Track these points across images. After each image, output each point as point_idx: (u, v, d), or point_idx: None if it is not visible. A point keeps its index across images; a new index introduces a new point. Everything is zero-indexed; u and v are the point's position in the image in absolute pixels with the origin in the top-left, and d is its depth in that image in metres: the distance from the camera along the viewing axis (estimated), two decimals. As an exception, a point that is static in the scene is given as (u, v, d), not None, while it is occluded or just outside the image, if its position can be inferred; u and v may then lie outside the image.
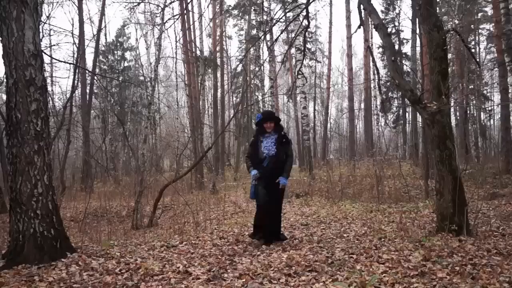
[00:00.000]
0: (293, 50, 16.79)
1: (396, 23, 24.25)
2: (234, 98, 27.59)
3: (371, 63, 20.80)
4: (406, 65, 22.17)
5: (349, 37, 23.13)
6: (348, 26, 22.77)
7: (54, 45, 15.06)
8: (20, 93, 4.12)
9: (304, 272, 3.77)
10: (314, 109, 29.38)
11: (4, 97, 4.54)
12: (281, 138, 5.19)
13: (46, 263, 4.00)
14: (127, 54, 28.08)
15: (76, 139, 21.20)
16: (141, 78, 26.50)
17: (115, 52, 27.08)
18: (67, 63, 13.57)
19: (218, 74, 22.74)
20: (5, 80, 4.26)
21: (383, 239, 4.97)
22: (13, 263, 3.95)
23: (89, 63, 20.93)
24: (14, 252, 4.10)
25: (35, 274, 3.69)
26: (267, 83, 26.94)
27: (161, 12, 13.91)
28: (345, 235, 5.58)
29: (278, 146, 5.13)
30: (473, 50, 21.44)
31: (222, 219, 8.19)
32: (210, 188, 14.04)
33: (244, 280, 3.54)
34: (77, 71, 13.01)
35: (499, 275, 3.33)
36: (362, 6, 6.23)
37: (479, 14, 20.91)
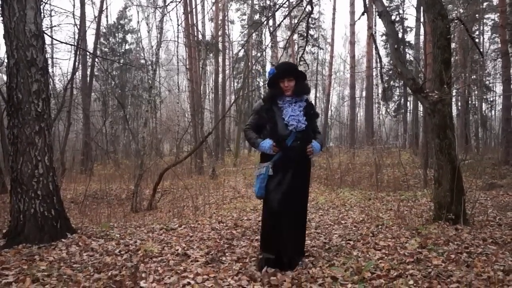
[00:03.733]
0: (295, 36, 16.64)
1: (400, 11, 24.04)
2: (235, 84, 27.49)
3: (374, 51, 20.66)
4: (409, 54, 22.05)
5: (352, 24, 22.94)
6: (352, 13, 22.56)
7: (55, 26, 14.90)
8: (21, 74, 4.12)
9: (301, 257, 3.82)
10: (316, 96, 29.27)
11: (5, 77, 4.52)
12: (309, 107, 3.50)
13: (47, 243, 4.06)
14: (128, 37, 27.89)
15: (76, 121, 21.19)
16: (142, 61, 26.35)
17: (116, 34, 26.86)
18: (68, 44, 13.52)
19: (220, 59, 22.63)
20: (6, 60, 4.25)
21: (380, 227, 5.02)
22: (14, 243, 4.01)
23: (90, 45, 20.78)
24: (15, 231, 4.14)
25: (35, 253, 3.74)
26: (268, 69, 26.80)
27: (163, -5, 13.76)
28: (342, 221, 5.63)
29: (307, 118, 3.44)
30: (477, 40, 21.28)
31: (221, 203, 8.25)
32: (209, 173, 14.10)
33: (241, 263, 3.59)
34: (78, 52, 12.94)
35: (493, 264, 3.37)
36: (366, -7, 6.17)
37: (484, 4, 20.69)
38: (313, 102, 3.58)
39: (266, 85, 3.60)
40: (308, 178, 3.62)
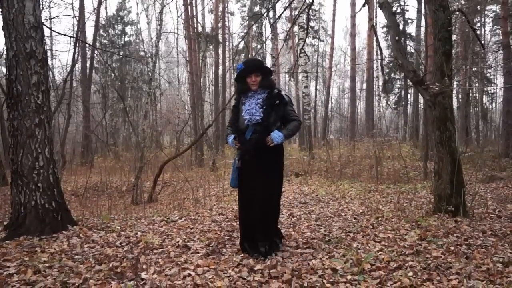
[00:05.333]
0: (296, 28, 16.57)
1: (402, 2, 23.86)
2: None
3: (374, 43, 20.58)
4: (410, 46, 21.95)
5: (353, 16, 22.82)
6: (353, 4, 22.45)
7: (54, 17, 14.86)
8: (20, 66, 4.11)
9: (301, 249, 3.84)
10: (316, 89, 29.23)
11: (4, 69, 4.51)
12: (272, 98, 3.56)
13: (48, 235, 4.07)
14: (128, 29, 27.74)
15: (76, 114, 21.17)
16: (142, 53, 26.23)
17: (116, 26, 26.72)
18: (68, 36, 13.40)
19: (220, 51, 22.54)
20: (5, 52, 4.24)
21: (380, 219, 5.03)
22: (15, 235, 4.03)
23: (90, 37, 20.72)
24: (16, 223, 4.16)
25: (36, 245, 3.76)
26: (269, 61, 26.69)
27: (163, -14, 13.68)
28: (343, 214, 5.64)
29: (267, 110, 3.52)
30: (478, 32, 21.19)
31: (222, 196, 8.26)
32: (210, 165, 14.10)
33: (242, 255, 3.60)
34: (77, 44, 12.88)
35: (493, 256, 3.39)
36: (367, -16, 6.12)
37: (486, -5, 20.54)
38: (283, 92, 3.68)
39: (234, 79, 3.87)
40: (277, 167, 3.66)
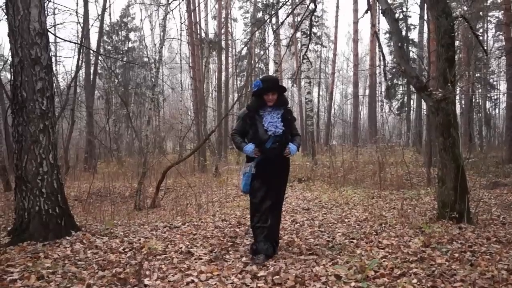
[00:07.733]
0: (298, 34, 16.64)
1: (404, 9, 23.94)
2: (239, 82, 27.48)
3: (377, 49, 20.63)
4: (413, 52, 21.97)
5: (355, 22, 22.87)
6: (355, 10, 22.51)
7: (58, 24, 14.92)
8: (25, 72, 4.13)
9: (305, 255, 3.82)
10: (319, 95, 29.27)
11: (10, 76, 4.55)
12: (286, 113, 3.96)
13: (51, 240, 4.08)
14: (132, 35, 27.92)
15: (79, 119, 21.22)
16: (145, 59, 26.38)
17: (120, 32, 26.89)
18: (72, 42, 13.51)
19: (223, 57, 22.61)
20: (10, 58, 4.27)
21: (383, 225, 5.01)
22: (19, 240, 4.03)
23: (94, 43, 20.83)
24: (20, 229, 4.17)
25: (40, 251, 3.76)
26: (271, 67, 26.79)
27: (167, -7, 13.73)
28: (346, 220, 5.63)
29: (285, 124, 3.89)
30: (481, 38, 21.16)
31: (224, 202, 8.25)
32: (212, 171, 14.11)
33: (245, 261, 3.60)
34: (81, 50, 12.96)
35: (497, 263, 3.36)
36: (370, -9, 6.14)
37: (489, 1, 20.52)
38: (291, 108, 4.17)
39: (251, 94, 4.07)
40: (287, 175, 4.09)
